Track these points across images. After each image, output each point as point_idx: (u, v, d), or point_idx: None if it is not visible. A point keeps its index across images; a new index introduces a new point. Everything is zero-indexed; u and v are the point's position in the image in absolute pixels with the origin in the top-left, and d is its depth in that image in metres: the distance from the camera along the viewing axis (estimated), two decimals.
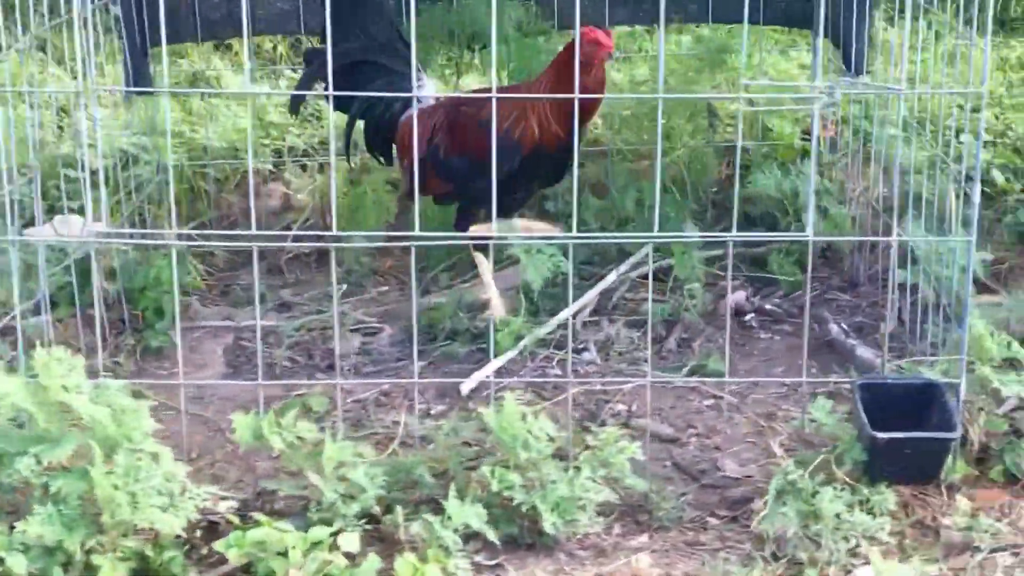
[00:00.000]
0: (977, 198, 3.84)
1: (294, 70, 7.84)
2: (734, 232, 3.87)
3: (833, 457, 3.86)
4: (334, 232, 3.95)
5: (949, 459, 3.94)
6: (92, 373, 4.82)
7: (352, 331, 5.34)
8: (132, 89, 5.58)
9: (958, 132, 4.37)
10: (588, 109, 4.96)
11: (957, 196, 4.05)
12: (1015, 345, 4.07)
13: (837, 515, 3.68)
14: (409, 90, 5.05)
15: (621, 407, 4.66)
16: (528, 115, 4.99)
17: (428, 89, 5.39)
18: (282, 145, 6.69)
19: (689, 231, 5.37)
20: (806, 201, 3.76)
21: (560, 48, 5.20)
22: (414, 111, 5.24)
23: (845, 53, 5.76)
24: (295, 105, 5.80)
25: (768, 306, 5.41)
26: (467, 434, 4.19)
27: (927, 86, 4.68)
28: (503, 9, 5.82)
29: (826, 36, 6.03)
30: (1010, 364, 4.17)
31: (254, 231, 3.86)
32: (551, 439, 3.86)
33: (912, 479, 3.85)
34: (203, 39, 6.11)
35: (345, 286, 5.67)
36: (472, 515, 3.69)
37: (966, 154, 4.01)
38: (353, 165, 5.96)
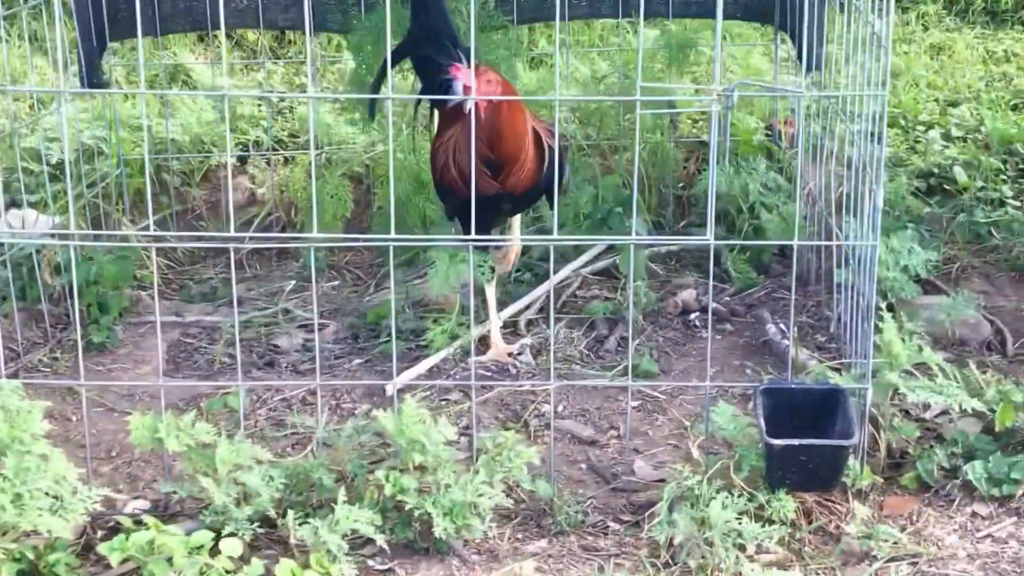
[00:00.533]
0: (880, 201, 3.78)
1: (275, 62, 7.83)
2: (633, 235, 3.83)
3: (732, 463, 3.82)
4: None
5: (856, 466, 3.90)
6: (29, 369, 4.92)
7: (298, 327, 5.33)
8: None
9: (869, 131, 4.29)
10: (501, 158, 4.61)
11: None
12: (927, 350, 4.01)
13: (727, 522, 3.63)
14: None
15: (547, 408, 4.63)
16: (450, 165, 4.73)
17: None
18: (248, 139, 6.66)
19: (640, 229, 5.33)
20: (709, 204, 3.70)
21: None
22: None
23: (799, 50, 5.67)
24: (372, 110, 5.51)
25: (714, 304, 5.36)
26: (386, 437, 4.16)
27: (829, 89, 4.61)
28: (457, 4, 5.76)
29: (784, 31, 5.97)
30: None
31: (151, 232, 3.86)
32: (450, 443, 3.84)
33: (810, 486, 3.79)
34: (162, 32, 6.08)
35: (294, 282, 5.68)
36: (361, 519, 3.66)
37: (872, 157, 3.95)
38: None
